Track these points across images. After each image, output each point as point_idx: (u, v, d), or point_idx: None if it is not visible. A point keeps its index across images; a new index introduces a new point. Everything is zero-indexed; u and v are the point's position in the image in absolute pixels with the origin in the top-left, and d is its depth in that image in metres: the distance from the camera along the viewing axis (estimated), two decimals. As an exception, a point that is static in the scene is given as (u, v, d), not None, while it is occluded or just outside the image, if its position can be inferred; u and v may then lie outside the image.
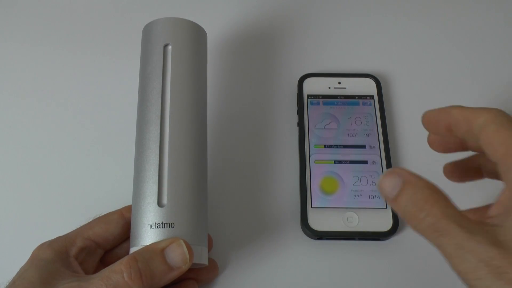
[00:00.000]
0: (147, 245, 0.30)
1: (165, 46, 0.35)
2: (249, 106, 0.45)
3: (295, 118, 0.43)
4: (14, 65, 0.48)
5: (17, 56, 0.48)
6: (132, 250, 0.32)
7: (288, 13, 0.50)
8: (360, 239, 0.37)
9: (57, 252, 0.32)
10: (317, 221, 0.37)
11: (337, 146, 0.40)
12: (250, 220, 0.40)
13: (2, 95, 0.46)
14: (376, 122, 0.41)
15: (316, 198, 0.38)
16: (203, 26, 0.38)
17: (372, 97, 0.42)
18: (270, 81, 0.46)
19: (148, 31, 0.36)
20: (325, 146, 0.40)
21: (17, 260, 0.32)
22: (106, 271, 0.29)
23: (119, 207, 0.35)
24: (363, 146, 0.40)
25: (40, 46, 0.48)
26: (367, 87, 0.43)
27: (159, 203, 0.32)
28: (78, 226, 0.34)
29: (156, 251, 0.30)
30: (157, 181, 0.32)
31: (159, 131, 0.33)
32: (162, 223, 0.31)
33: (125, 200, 0.36)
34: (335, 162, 0.39)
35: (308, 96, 0.42)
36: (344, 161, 0.39)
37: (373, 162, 0.39)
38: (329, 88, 0.43)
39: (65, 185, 0.42)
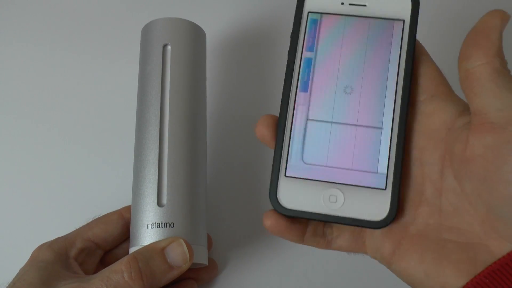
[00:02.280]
0: (147, 245, 0.30)
1: (164, 46, 0.35)
2: (249, 106, 0.45)
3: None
4: (14, 65, 0.48)
5: (17, 56, 0.48)
6: (132, 250, 0.32)
7: (288, 13, 0.50)
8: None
9: (56, 253, 0.32)
10: (290, 195, 0.27)
11: (330, 116, 0.28)
12: (250, 220, 0.40)
13: (2, 95, 0.46)
14: (398, 66, 0.28)
15: (292, 165, 0.28)
16: (202, 26, 0.38)
17: (402, 23, 0.29)
18: (270, 81, 0.46)
19: (147, 31, 0.36)
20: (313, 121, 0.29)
21: (16, 261, 0.32)
22: (106, 271, 0.29)
23: (119, 208, 0.35)
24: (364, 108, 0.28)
25: (39, 46, 0.48)
26: (398, 7, 0.29)
27: (159, 203, 0.32)
28: (78, 227, 0.34)
29: (157, 250, 0.30)
30: (156, 181, 0.32)
31: (158, 131, 0.33)
32: (161, 223, 0.31)
33: (124, 200, 0.36)
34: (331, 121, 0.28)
35: (310, 13, 0.30)
36: (340, 122, 0.28)
37: (379, 124, 0.28)
38: (342, 4, 0.29)
39: (64, 185, 0.42)
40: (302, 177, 0.27)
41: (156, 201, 0.32)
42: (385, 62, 0.28)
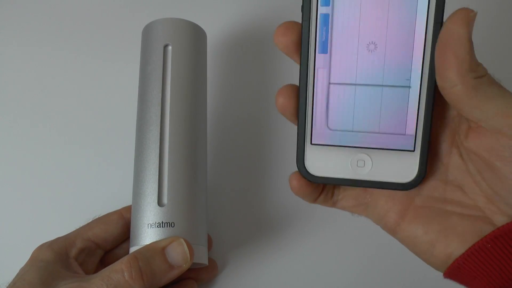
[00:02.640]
0: (148, 244, 0.30)
1: (165, 46, 0.35)
2: (249, 106, 0.45)
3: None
4: (15, 65, 0.48)
5: (17, 57, 0.48)
6: (132, 249, 0.32)
7: (288, 12, 0.51)
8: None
9: (57, 253, 0.32)
10: (317, 163, 0.27)
11: (356, 77, 0.26)
12: (250, 220, 0.40)
13: (2, 95, 0.46)
14: (426, 14, 0.25)
15: (318, 132, 0.27)
16: (202, 27, 0.38)
17: None
18: (270, 81, 0.46)
19: (148, 32, 0.36)
20: (337, 85, 0.27)
21: (17, 261, 0.32)
22: (106, 271, 0.29)
23: (119, 208, 0.35)
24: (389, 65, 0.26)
25: (39, 46, 0.48)
26: None
27: (159, 203, 0.32)
28: (78, 227, 0.34)
29: (157, 249, 0.30)
30: (157, 181, 0.32)
31: (159, 131, 0.33)
32: (162, 223, 0.31)
33: (124, 200, 0.36)
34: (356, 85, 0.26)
35: None
36: (364, 84, 0.26)
37: (408, 86, 0.26)
38: None
39: (64, 185, 0.42)
40: (328, 143, 0.27)
41: (156, 200, 0.32)
42: (412, 11, 0.25)
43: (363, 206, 0.29)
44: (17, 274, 0.31)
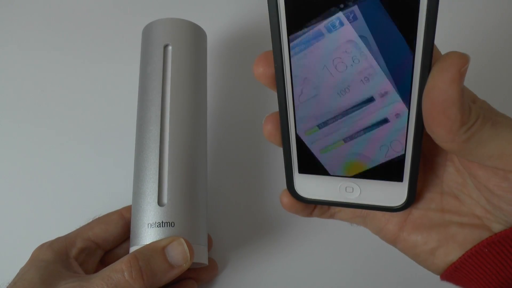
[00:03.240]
0: (148, 244, 0.30)
1: (165, 46, 0.35)
2: (249, 106, 0.45)
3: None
4: (15, 65, 0.48)
5: (17, 57, 0.48)
6: (132, 249, 0.32)
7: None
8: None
9: (57, 253, 0.32)
10: (306, 188, 0.28)
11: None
12: (250, 220, 0.40)
13: (2, 95, 0.46)
14: (414, 42, 0.21)
15: (304, 161, 0.27)
16: (202, 27, 0.38)
17: None
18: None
19: (148, 32, 0.36)
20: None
21: (17, 260, 0.32)
22: (107, 271, 0.29)
23: (119, 207, 0.35)
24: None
25: (40, 47, 0.48)
26: None
27: (159, 202, 0.32)
28: (78, 227, 0.34)
29: (157, 249, 0.30)
30: (157, 181, 0.32)
31: (159, 131, 0.33)
32: (162, 222, 0.31)
33: (125, 200, 0.36)
34: (345, 140, 0.26)
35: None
36: (350, 109, 0.24)
37: (397, 116, 0.24)
38: None
39: (65, 185, 0.42)
40: (315, 173, 0.27)
41: (156, 200, 0.32)
42: (397, 41, 0.22)
43: (361, 218, 0.29)
44: (18, 274, 0.31)
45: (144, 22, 0.37)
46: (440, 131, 0.22)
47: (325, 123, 0.26)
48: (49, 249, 0.32)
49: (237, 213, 0.40)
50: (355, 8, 0.21)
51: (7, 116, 0.45)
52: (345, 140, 0.26)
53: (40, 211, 0.41)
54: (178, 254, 0.30)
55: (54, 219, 0.40)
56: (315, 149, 0.26)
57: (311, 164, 0.27)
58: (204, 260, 0.33)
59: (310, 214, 0.29)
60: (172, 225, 0.31)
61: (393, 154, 0.25)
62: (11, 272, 0.31)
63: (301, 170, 0.27)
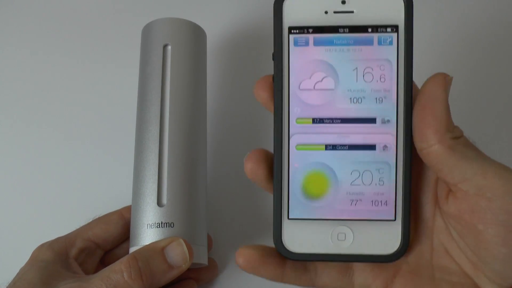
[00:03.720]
0: (147, 244, 0.30)
1: (165, 46, 0.35)
2: (249, 106, 0.45)
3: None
4: (14, 65, 0.48)
5: (17, 57, 0.48)
6: (132, 249, 0.32)
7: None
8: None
9: (57, 253, 0.32)
10: (296, 239, 0.26)
11: (332, 121, 0.26)
12: (250, 220, 0.40)
13: (2, 96, 0.46)
14: (397, 76, 0.25)
15: (295, 205, 0.26)
16: (202, 26, 0.38)
17: (396, 29, 0.25)
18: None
19: (147, 31, 0.36)
20: (314, 121, 0.26)
21: (17, 261, 0.32)
22: (106, 271, 0.29)
23: (119, 208, 0.35)
24: (373, 120, 0.26)
25: (39, 47, 0.48)
26: (390, 10, 0.25)
27: (159, 203, 0.32)
28: (78, 227, 0.34)
29: (156, 250, 0.30)
30: (156, 181, 0.32)
31: (158, 131, 0.33)
32: (161, 223, 0.31)
33: (124, 200, 0.36)
34: (327, 147, 0.26)
35: (291, 29, 0.26)
36: (341, 145, 0.26)
37: (384, 148, 0.26)
38: (326, 13, 0.26)
39: (65, 185, 0.42)
40: (306, 217, 0.26)
41: (156, 201, 0.32)
42: (385, 81, 0.26)
43: (348, 279, 0.27)
44: (17, 274, 0.31)
45: (144, 22, 0.37)
46: (428, 132, 0.23)
47: (319, 119, 0.26)
48: (49, 249, 0.32)
49: (237, 213, 0.40)
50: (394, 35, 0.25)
51: (7, 116, 0.45)
52: (327, 147, 0.26)
53: (40, 211, 0.41)
54: (178, 255, 0.30)
55: (54, 219, 0.40)
56: (308, 185, 0.26)
57: (301, 206, 0.26)
58: (204, 261, 0.33)
59: (280, 275, 0.26)
60: (172, 225, 0.31)
61: (384, 192, 0.26)
62: (11, 272, 0.31)
63: (293, 214, 0.26)
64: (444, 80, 0.23)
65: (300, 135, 0.26)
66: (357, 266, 0.27)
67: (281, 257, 0.26)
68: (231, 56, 0.47)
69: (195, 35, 0.37)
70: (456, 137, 0.23)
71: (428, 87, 0.24)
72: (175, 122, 0.33)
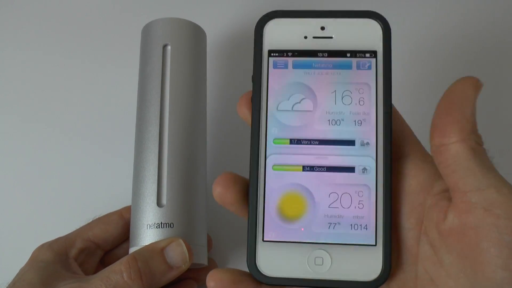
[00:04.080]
0: (147, 245, 0.30)
1: (164, 46, 0.35)
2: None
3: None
4: (14, 66, 0.48)
5: (16, 57, 0.48)
6: (132, 250, 0.32)
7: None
8: None
9: (56, 254, 0.32)
10: (271, 262, 0.25)
11: (310, 142, 0.26)
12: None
13: (2, 96, 0.46)
14: (375, 100, 0.26)
15: (270, 227, 0.25)
16: (202, 26, 0.38)
17: (374, 54, 0.26)
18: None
19: (147, 31, 0.36)
20: (291, 142, 0.26)
21: (16, 261, 0.32)
22: (105, 271, 0.29)
23: (119, 208, 0.35)
24: (351, 143, 0.26)
25: (39, 46, 0.48)
26: (368, 36, 0.26)
27: (158, 203, 0.32)
28: (78, 227, 0.34)
29: (156, 250, 0.30)
30: (156, 181, 0.32)
31: (158, 131, 0.33)
32: (161, 223, 0.31)
33: (124, 200, 0.36)
34: (304, 168, 0.25)
35: (271, 52, 0.26)
36: (318, 167, 0.25)
37: (364, 170, 0.25)
38: (306, 38, 0.26)
39: (64, 186, 0.42)
40: (282, 240, 0.25)
41: (155, 201, 0.32)
42: (360, 99, 0.26)
43: None
44: (17, 274, 0.31)
45: (144, 22, 0.37)
46: (453, 129, 0.22)
47: (297, 140, 0.26)
48: (49, 250, 0.32)
49: (239, 218, 0.40)
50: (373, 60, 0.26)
51: (7, 116, 0.45)
52: (304, 168, 0.25)
53: (40, 211, 0.41)
54: (177, 255, 0.30)
55: (54, 219, 0.40)
56: (285, 206, 0.25)
57: (278, 229, 0.25)
58: (204, 261, 0.33)
59: None
60: (171, 226, 0.31)
61: (363, 213, 0.25)
62: (11, 272, 0.31)
63: (268, 236, 0.25)
64: (476, 83, 0.22)
65: (277, 156, 0.25)
66: None
67: (256, 281, 0.25)
68: (231, 56, 0.47)
69: (195, 35, 0.37)
70: (478, 143, 0.22)
71: (459, 86, 0.22)
72: (175, 122, 0.33)
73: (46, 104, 0.46)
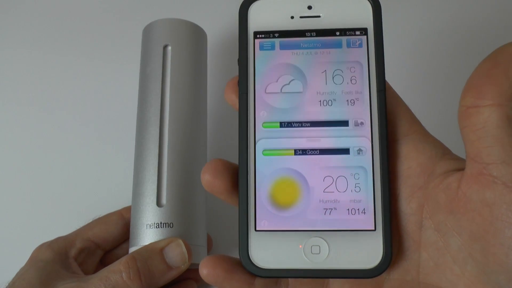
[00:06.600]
0: (146, 245, 0.30)
1: (165, 47, 0.35)
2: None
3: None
4: (15, 66, 0.48)
5: (17, 57, 0.48)
6: (131, 250, 0.32)
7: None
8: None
9: (56, 253, 0.32)
10: (264, 253, 0.23)
11: (301, 124, 0.24)
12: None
13: (2, 96, 0.46)
14: (368, 78, 0.24)
15: (263, 216, 0.23)
16: (202, 26, 0.38)
17: (365, 31, 0.25)
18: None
19: (148, 32, 0.36)
20: (281, 125, 0.24)
21: (17, 260, 0.32)
22: (105, 271, 0.29)
23: (119, 208, 0.36)
24: (345, 123, 0.24)
25: (40, 47, 0.48)
26: (358, 14, 0.25)
27: (158, 203, 0.32)
28: (78, 227, 0.34)
29: (155, 250, 0.30)
30: (156, 181, 0.32)
31: (158, 132, 0.33)
32: (161, 223, 0.31)
33: (124, 200, 0.36)
34: (296, 152, 0.24)
35: (257, 34, 0.25)
36: (311, 150, 0.24)
37: (359, 151, 0.24)
38: (292, 18, 0.25)
39: (65, 186, 0.42)
40: (275, 229, 0.23)
41: (155, 201, 0.32)
42: (353, 79, 0.24)
43: None
44: (17, 274, 0.31)
45: (144, 22, 0.37)
46: (492, 89, 0.19)
47: (287, 123, 0.24)
48: (49, 249, 0.32)
49: (237, 213, 0.40)
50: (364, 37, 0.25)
51: (7, 116, 0.45)
52: (296, 152, 0.24)
53: (40, 211, 0.41)
54: (176, 256, 0.30)
55: (54, 219, 0.40)
56: (278, 192, 0.24)
57: (270, 216, 0.23)
58: (203, 261, 0.33)
59: None
60: (171, 226, 0.31)
61: (360, 197, 0.23)
62: (11, 272, 0.31)
63: (260, 225, 0.23)
64: None
65: (267, 140, 0.24)
66: (334, 282, 0.24)
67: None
68: (231, 56, 0.47)
69: (195, 36, 0.37)
70: None
71: (506, 48, 0.20)
72: (175, 122, 0.33)
73: (46, 104, 0.46)
